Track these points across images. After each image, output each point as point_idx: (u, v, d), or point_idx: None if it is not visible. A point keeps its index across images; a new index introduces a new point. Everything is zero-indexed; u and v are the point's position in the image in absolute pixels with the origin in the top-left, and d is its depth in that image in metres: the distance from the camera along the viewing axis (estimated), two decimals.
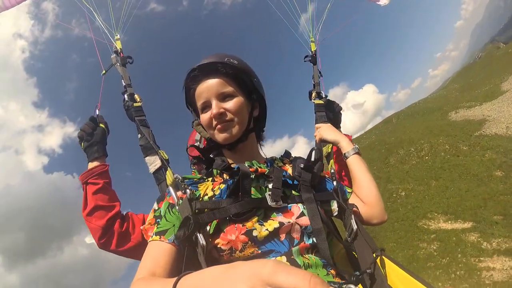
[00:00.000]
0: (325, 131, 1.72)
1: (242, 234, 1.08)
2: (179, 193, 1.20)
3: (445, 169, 17.62)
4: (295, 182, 1.30)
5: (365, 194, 1.45)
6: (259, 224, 1.12)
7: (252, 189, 1.21)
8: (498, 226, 11.89)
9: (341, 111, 2.03)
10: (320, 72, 2.18)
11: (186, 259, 1.07)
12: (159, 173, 1.62)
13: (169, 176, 1.27)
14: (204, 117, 1.33)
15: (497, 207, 13.09)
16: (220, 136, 1.32)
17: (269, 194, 1.18)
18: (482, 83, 35.65)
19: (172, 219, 1.16)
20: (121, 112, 1.93)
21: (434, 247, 12.05)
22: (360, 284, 1.12)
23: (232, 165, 1.30)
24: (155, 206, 1.33)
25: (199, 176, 1.34)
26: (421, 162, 19.52)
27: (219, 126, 1.30)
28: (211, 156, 1.39)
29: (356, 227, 1.28)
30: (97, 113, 1.88)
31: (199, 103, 1.34)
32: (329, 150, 1.74)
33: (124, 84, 1.95)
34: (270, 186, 1.25)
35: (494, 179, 15.09)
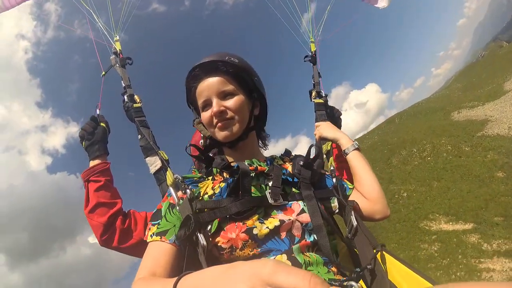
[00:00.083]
0: (325, 129, 1.74)
1: (242, 232, 1.08)
2: (180, 193, 1.20)
3: (447, 170, 17.66)
4: (295, 179, 1.31)
5: (367, 190, 1.45)
6: (259, 222, 1.12)
7: (252, 187, 1.22)
8: (498, 227, 11.93)
9: (340, 116, 2.07)
10: (319, 73, 2.21)
11: (186, 259, 1.07)
12: (160, 174, 1.63)
13: (169, 177, 1.27)
14: (205, 115, 1.34)
15: (498, 208, 13.12)
16: (220, 134, 1.33)
17: (269, 192, 1.19)
18: (485, 82, 35.47)
19: (173, 219, 1.17)
20: (122, 112, 1.95)
21: (435, 248, 12.10)
22: (361, 280, 1.14)
23: (232, 164, 1.30)
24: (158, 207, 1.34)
25: (199, 175, 1.35)
26: (423, 162, 19.57)
27: (219, 124, 1.31)
28: (210, 155, 1.38)
29: (356, 223, 1.27)
30: (98, 112, 1.90)
31: (200, 102, 1.35)
32: (329, 148, 1.77)
33: (123, 85, 1.96)
34: (270, 184, 1.25)
35: (495, 180, 15.11)
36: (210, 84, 1.30)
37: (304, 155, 1.37)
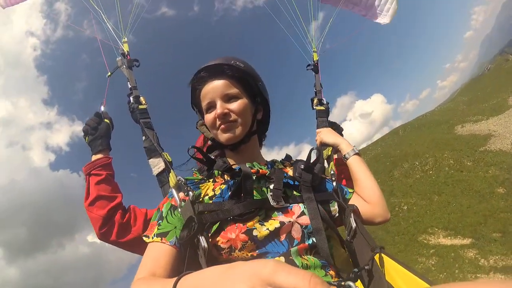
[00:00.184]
0: (326, 134, 1.78)
1: (242, 233, 1.09)
2: (181, 195, 1.21)
3: (448, 184, 17.76)
4: (296, 183, 1.31)
5: (367, 194, 1.46)
6: (259, 224, 1.12)
7: (254, 190, 1.22)
8: (496, 243, 12.04)
9: (342, 132, 2.06)
10: (320, 84, 2.26)
11: (187, 261, 1.07)
12: (162, 176, 1.64)
13: (172, 178, 1.28)
14: (208, 117, 1.35)
15: (496, 224, 13.21)
16: (223, 136, 1.33)
17: (270, 195, 1.20)
18: (490, 96, 35.41)
19: (174, 221, 1.17)
20: (126, 113, 1.95)
21: (432, 262, 12.23)
22: (360, 282, 1.13)
23: (234, 166, 1.29)
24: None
25: (200, 177, 1.35)
26: (425, 176, 19.66)
27: (222, 126, 1.31)
28: (212, 157, 1.38)
29: (355, 225, 1.27)
30: (102, 109, 1.91)
31: (204, 103, 1.35)
32: (329, 153, 1.78)
33: (129, 86, 1.97)
34: (271, 187, 1.26)
35: (495, 196, 15.19)
36: (215, 86, 1.31)
37: (305, 160, 1.38)
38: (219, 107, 1.30)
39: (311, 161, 1.35)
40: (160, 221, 1.18)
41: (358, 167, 1.55)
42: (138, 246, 1.62)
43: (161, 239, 1.11)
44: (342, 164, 1.79)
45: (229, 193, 1.20)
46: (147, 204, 1.83)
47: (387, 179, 20.80)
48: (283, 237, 1.13)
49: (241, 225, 1.10)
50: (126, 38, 2.16)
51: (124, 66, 2.04)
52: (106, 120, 1.86)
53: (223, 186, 1.24)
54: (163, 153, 1.64)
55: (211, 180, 1.32)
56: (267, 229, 1.12)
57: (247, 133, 1.37)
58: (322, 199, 1.30)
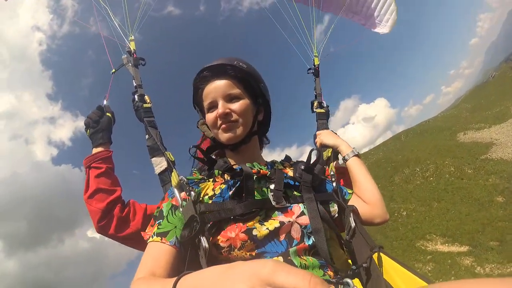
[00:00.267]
0: (325, 136, 1.80)
1: (242, 232, 1.09)
2: (182, 195, 1.21)
3: (448, 192, 17.85)
4: (296, 183, 1.32)
5: (367, 194, 1.47)
6: (259, 224, 1.13)
7: (254, 190, 1.23)
8: (493, 252, 12.12)
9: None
10: (320, 87, 2.29)
11: (187, 261, 1.08)
12: (165, 175, 1.64)
13: (174, 178, 1.29)
14: (210, 116, 1.35)
15: (494, 232, 13.28)
16: (224, 136, 1.34)
17: (272, 195, 1.21)
18: (494, 104, 35.39)
19: (174, 220, 1.17)
20: (130, 111, 1.93)
21: (429, 268, 12.33)
22: (357, 279, 1.15)
23: (234, 166, 1.29)
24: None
25: (200, 177, 1.35)
26: (425, 182, 19.76)
27: (223, 125, 1.32)
28: (213, 157, 1.39)
29: (354, 224, 1.27)
30: (105, 103, 1.91)
31: (206, 103, 1.36)
32: (329, 154, 1.79)
33: (135, 84, 1.96)
34: (271, 187, 1.26)
35: (494, 205, 15.26)
36: (217, 86, 1.31)
37: (305, 161, 1.40)
38: (221, 107, 1.30)
39: (311, 162, 1.35)
40: (160, 220, 1.18)
41: (357, 169, 1.57)
42: (136, 241, 1.62)
43: (161, 239, 1.11)
44: (341, 173, 1.79)
45: (229, 192, 1.20)
46: (148, 201, 1.80)
47: (387, 184, 20.91)
48: (282, 237, 1.14)
49: (241, 224, 1.11)
50: (133, 36, 2.15)
51: (130, 64, 2.04)
52: (108, 114, 1.86)
53: (223, 186, 1.24)
54: (166, 152, 1.64)
55: (211, 179, 1.32)
56: (267, 228, 1.11)
57: (247, 134, 1.38)
58: (322, 199, 1.30)
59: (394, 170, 22.56)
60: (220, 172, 1.32)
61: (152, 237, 1.13)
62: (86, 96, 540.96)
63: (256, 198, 1.20)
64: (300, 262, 1.09)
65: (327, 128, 1.99)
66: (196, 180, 1.32)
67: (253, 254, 1.10)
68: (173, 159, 1.62)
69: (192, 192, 1.17)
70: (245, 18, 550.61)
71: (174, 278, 0.73)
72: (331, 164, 1.71)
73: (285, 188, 1.25)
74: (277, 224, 1.14)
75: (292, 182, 1.32)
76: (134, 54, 2.09)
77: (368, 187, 1.50)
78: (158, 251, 1.09)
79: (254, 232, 1.10)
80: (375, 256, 1.16)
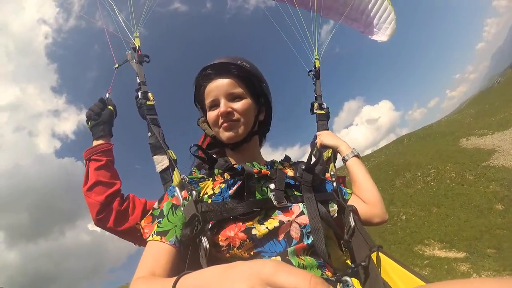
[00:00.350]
0: (326, 137, 1.80)
1: (241, 231, 1.08)
2: (184, 194, 1.20)
3: (448, 197, 17.99)
4: (297, 183, 1.31)
5: (366, 194, 1.48)
6: (259, 223, 1.12)
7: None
8: (490, 259, 12.27)
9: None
10: (320, 89, 2.29)
11: (188, 261, 1.08)
12: (166, 173, 1.62)
13: (176, 177, 1.27)
14: (211, 114, 1.34)
15: (492, 240, 13.43)
16: (225, 135, 1.33)
17: (273, 194, 1.20)
18: (498, 110, 35.30)
19: (175, 220, 1.15)
20: (134, 105, 1.91)
21: (426, 273, 12.39)
22: (356, 280, 1.13)
23: (235, 166, 1.28)
24: (156, 205, 1.32)
25: (200, 175, 1.34)
26: (426, 187, 19.92)
27: (225, 124, 1.31)
28: (214, 156, 1.38)
29: (353, 223, 1.27)
30: (107, 96, 1.90)
31: (207, 101, 1.35)
32: (329, 155, 1.79)
33: (138, 81, 1.94)
34: (272, 186, 1.25)
35: (493, 212, 15.39)
36: (219, 85, 1.31)
37: (306, 161, 1.40)
38: (223, 106, 1.29)
39: (312, 162, 1.35)
40: (161, 219, 1.17)
41: (357, 169, 1.58)
42: (134, 236, 1.60)
43: (161, 238, 1.10)
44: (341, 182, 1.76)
45: (229, 192, 1.20)
46: (150, 196, 1.78)
47: (388, 187, 21.06)
48: (281, 237, 1.13)
49: (241, 224, 1.10)
50: (138, 33, 2.13)
51: (134, 61, 2.02)
52: (110, 106, 1.85)
53: (223, 185, 1.23)
54: (168, 150, 1.62)
55: (210, 178, 1.31)
56: (266, 228, 1.11)
57: (248, 133, 1.37)
58: (322, 199, 1.29)
59: (396, 173, 22.72)
60: (220, 171, 1.32)
61: (152, 236, 1.12)
62: (91, 90, 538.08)
63: (256, 198, 1.19)
64: (298, 262, 1.08)
65: (327, 129, 1.99)
66: (196, 179, 1.31)
67: (252, 253, 1.10)
68: (175, 158, 1.58)
69: (194, 192, 1.18)
70: (252, 16, 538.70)
71: (174, 278, 0.73)
72: (331, 164, 1.71)
73: (285, 188, 1.25)
74: (276, 224, 1.13)
75: (292, 182, 1.31)
76: (139, 51, 2.07)
77: (367, 187, 1.51)
78: (158, 250, 1.09)
79: (253, 232, 1.09)
80: (374, 255, 1.16)
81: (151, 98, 1.87)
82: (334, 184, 1.48)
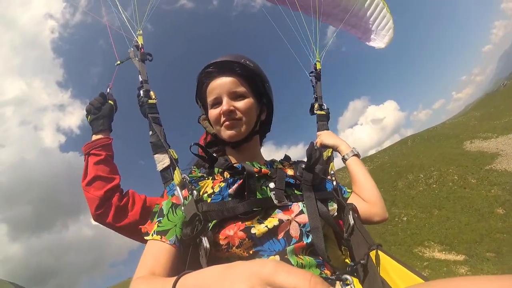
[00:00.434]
0: (326, 137, 1.82)
1: (240, 230, 1.08)
2: (184, 193, 1.20)
3: (449, 200, 18.02)
4: (297, 182, 1.31)
5: (366, 193, 1.48)
6: (258, 222, 1.12)
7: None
8: (489, 263, 12.34)
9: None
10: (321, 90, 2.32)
11: (184, 260, 1.07)
12: (167, 172, 1.60)
13: (177, 176, 1.26)
14: (213, 112, 1.34)
15: (491, 244, 13.48)
16: (226, 133, 1.33)
17: (273, 193, 1.21)
18: (503, 114, 35.06)
19: (175, 219, 1.15)
20: (137, 102, 1.89)
21: (424, 275, 12.50)
22: (356, 279, 1.13)
23: (235, 165, 1.29)
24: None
25: (199, 174, 1.34)
26: (428, 189, 19.95)
27: (227, 123, 1.31)
28: (214, 155, 1.37)
29: (352, 222, 1.27)
30: (108, 91, 1.90)
31: (210, 99, 1.34)
32: (329, 154, 1.80)
33: (141, 79, 1.92)
34: (271, 185, 1.25)
35: (494, 216, 15.40)
36: (222, 83, 1.30)
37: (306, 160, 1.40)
38: (225, 104, 1.29)
39: (312, 161, 1.34)
40: (161, 218, 1.16)
41: (357, 168, 1.59)
42: (132, 232, 1.61)
43: (161, 238, 1.10)
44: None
45: (228, 191, 1.19)
46: (154, 192, 1.78)
47: (390, 189, 21.13)
48: (281, 235, 1.13)
49: (240, 223, 1.10)
50: (141, 31, 2.13)
51: (137, 59, 2.00)
52: (110, 101, 1.85)
53: (222, 184, 1.23)
54: (169, 149, 1.61)
55: (210, 177, 1.31)
56: (266, 226, 1.11)
57: (250, 132, 1.38)
58: (322, 197, 1.29)
59: (398, 175, 22.76)
60: (220, 170, 1.32)
61: (152, 235, 1.12)
62: (96, 85, 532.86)
63: (257, 197, 1.19)
64: (297, 261, 1.08)
65: (328, 129, 2.02)
66: (195, 177, 1.31)
67: (251, 252, 1.10)
68: (176, 157, 1.58)
69: (195, 191, 1.17)
70: (258, 14, 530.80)
71: (174, 278, 0.74)
72: (331, 164, 1.73)
73: (285, 187, 1.25)
74: (276, 222, 1.13)
75: (292, 181, 1.32)
76: (142, 49, 2.06)
77: (367, 186, 1.51)
78: (158, 249, 1.08)
79: (253, 231, 1.09)
80: (373, 254, 1.17)
81: (153, 96, 1.86)
82: (334, 183, 1.49)
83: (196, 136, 1.79)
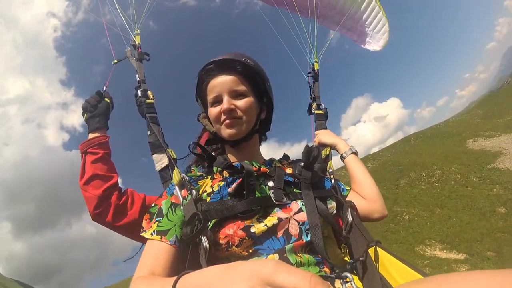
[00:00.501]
0: (324, 135, 1.83)
1: (240, 229, 1.08)
2: (183, 192, 1.20)
3: (451, 199, 18.13)
4: (296, 180, 1.32)
5: (365, 190, 1.49)
6: (258, 221, 1.12)
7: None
8: (489, 262, 12.49)
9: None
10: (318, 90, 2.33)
11: (184, 260, 1.07)
12: (165, 172, 1.60)
13: (176, 176, 1.25)
14: (213, 110, 1.33)
15: (492, 243, 13.61)
16: (226, 132, 1.32)
17: (272, 192, 1.21)
18: (506, 112, 35.08)
19: (174, 218, 1.15)
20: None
21: (423, 271, 12.69)
22: (355, 276, 1.12)
23: (234, 163, 1.29)
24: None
25: (198, 173, 1.34)
26: (430, 188, 20.04)
27: (227, 121, 1.30)
28: (212, 154, 1.37)
29: (351, 219, 1.27)
30: (105, 89, 1.88)
31: (210, 97, 1.33)
32: (328, 153, 1.81)
33: (138, 79, 1.90)
34: (270, 184, 1.25)
35: (496, 215, 15.52)
36: (223, 81, 1.29)
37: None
38: (226, 102, 1.28)
39: (311, 160, 1.33)
40: (160, 218, 1.16)
41: (355, 166, 1.59)
42: (131, 232, 1.59)
43: (161, 238, 1.09)
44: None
45: (227, 190, 1.19)
46: (156, 190, 1.75)
47: (392, 187, 21.22)
48: (280, 234, 1.12)
49: (240, 222, 1.09)
50: (138, 30, 2.10)
51: (134, 58, 1.99)
52: (106, 99, 1.83)
53: (222, 183, 1.22)
54: (168, 149, 1.61)
55: (209, 176, 1.30)
56: (265, 225, 1.10)
57: (250, 131, 1.37)
58: (321, 195, 1.29)
59: (401, 173, 22.83)
60: (219, 169, 1.31)
61: (152, 235, 1.11)
62: (99, 83, 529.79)
63: (256, 195, 1.18)
64: (296, 260, 1.08)
65: (326, 128, 2.03)
66: (194, 177, 1.30)
67: (250, 251, 1.09)
68: (175, 157, 1.58)
69: (194, 191, 1.17)
70: (260, 11, 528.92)
71: (174, 277, 0.74)
72: (330, 162, 1.74)
73: (284, 185, 1.25)
74: (275, 221, 1.12)
75: (291, 179, 1.32)
76: (139, 48, 2.04)
77: (366, 183, 1.51)
78: (158, 249, 1.08)
79: (252, 229, 1.08)
80: (372, 250, 1.17)
81: (151, 96, 1.84)
82: (333, 181, 1.48)
83: (195, 136, 1.79)
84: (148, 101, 1.80)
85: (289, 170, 1.38)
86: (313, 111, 2.13)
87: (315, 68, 2.40)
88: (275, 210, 1.16)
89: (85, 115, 1.77)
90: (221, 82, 1.29)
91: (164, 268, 1.04)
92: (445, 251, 14.19)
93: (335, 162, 1.81)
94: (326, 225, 1.25)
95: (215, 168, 1.32)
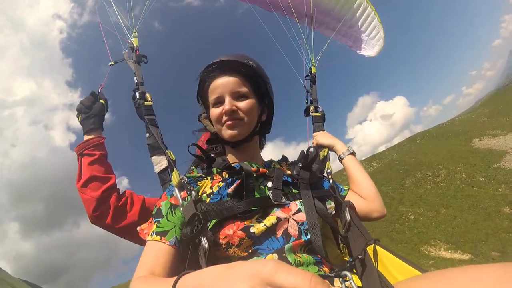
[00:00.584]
0: (321, 137, 1.87)
1: (239, 229, 1.08)
2: (183, 194, 1.19)
3: (457, 198, 18.16)
4: (294, 181, 1.32)
5: (364, 190, 1.49)
6: (257, 221, 1.12)
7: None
8: (494, 262, 12.39)
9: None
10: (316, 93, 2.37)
11: (184, 260, 1.07)
12: (164, 174, 1.60)
13: (175, 177, 1.26)
14: (215, 111, 1.32)
15: (497, 243, 13.68)
16: (227, 133, 1.32)
17: (271, 192, 1.22)
18: None
19: (174, 219, 1.15)
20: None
21: (421, 267, 12.80)
22: (355, 276, 1.13)
23: (233, 164, 1.29)
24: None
25: (198, 174, 1.34)
26: (435, 188, 20.08)
27: (228, 122, 1.30)
28: (212, 155, 1.37)
29: (349, 218, 1.28)
30: (100, 90, 1.87)
31: (211, 97, 1.33)
32: (325, 154, 1.82)
33: (136, 81, 1.91)
34: (269, 185, 1.26)
35: (501, 215, 15.56)
36: (225, 82, 1.29)
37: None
38: (228, 103, 1.28)
39: (309, 160, 1.35)
40: (159, 219, 1.16)
41: (353, 166, 1.60)
42: (131, 234, 1.55)
43: (161, 238, 1.10)
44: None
45: (227, 190, 1.19)
46: (155, 191, 1.71)
47: (398, 187, 21.24)
48: (279, 233, 1.12)
49: (239, 222, 1.10)
50: (136, 32, 2.10)
51: (132, 61, 1.99)
52: (101, 100, 1.82)
53: (221, 184, 1.23)
54: (167, 151, 1.60)
55: (209, 177, 1.30)
56: (265, 225, 1.10)
57: (250, 133, 1.37)
58: (319, 195, 1.29)
59: (406, 173, 22.85)
60: (218, 170, 1.31)
61: (151, 235, 1.12)
62: (106, 84, 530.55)
63: (255, 196, 1.18)
64: (295, 259, 1.08)
65: (323, 130, 2.05)
66: (194, 178, 1.30)
67: (250, 251, 1.09)
68: (174, 158, 1.57)
69: (193, 192, 1.16)
70: (264, 11, 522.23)
71: (174, 278, 0.74)
72: (328, 163, 1.76)
73: (283, 186, 1.25)
74: (274, 220, 1.12)
75: (290, 180, 1.32)
76: (137, 51, 2.03)
77: (364, 183, 1.52)
78: (158, 250, 1.08)
79: (252, 230, 1.08)
80: (371, 249, 1.18)
81: (149, 98, 1.84)
82: (331, 181, 1.50)
83: (194, 137, 1.75)
84: (146, 103, 1.81)
85: (288, 171, 1.40)
86: (310, 113, 2.17)
87: (313, 72, 2.44)
88: (274, 210, 1.17)
89: (80, 116, 1.76)
90: (223, 83, 1.29)
91: (164, 268, 1.05)
92: (450, 251, 14.28)
93: (334, 166, 1.85)
94: (325, 225, 1.28)
95: (214, 169, 1.32)
